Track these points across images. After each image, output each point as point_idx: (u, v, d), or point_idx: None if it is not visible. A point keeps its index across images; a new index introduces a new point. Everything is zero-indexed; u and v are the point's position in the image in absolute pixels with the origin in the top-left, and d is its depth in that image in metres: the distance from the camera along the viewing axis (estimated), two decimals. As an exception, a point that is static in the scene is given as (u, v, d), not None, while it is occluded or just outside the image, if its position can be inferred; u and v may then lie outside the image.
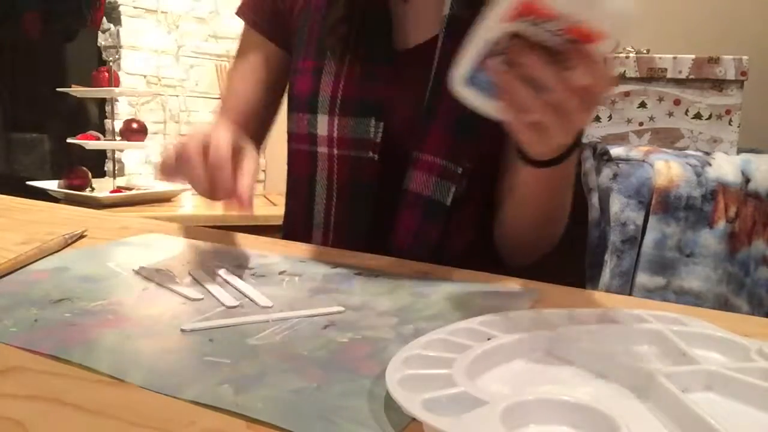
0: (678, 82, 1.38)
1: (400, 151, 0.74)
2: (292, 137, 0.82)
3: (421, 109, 0.73)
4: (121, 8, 2.46)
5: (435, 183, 0.73)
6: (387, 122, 0.74)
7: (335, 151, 0.77)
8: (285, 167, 0.87)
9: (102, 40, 2.52)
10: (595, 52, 0.46)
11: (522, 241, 0.75)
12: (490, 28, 0.47)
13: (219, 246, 0.70)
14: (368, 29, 0.75)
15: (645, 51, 1.45)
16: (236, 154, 0.60)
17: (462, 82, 0.51)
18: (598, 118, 1.42)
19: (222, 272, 0.57)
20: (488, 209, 0.80)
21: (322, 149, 0.77)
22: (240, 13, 0.87)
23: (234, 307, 0.49)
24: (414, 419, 0.30)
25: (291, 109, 0.81)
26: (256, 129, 0.86)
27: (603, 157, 1.25)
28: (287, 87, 0.84)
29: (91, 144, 2.02)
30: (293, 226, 0.83)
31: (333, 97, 0.75)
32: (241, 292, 0.53)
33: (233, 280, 0.55)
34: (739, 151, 1.36)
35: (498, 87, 0.49)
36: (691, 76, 1.36)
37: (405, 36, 0.77)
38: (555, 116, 0.48)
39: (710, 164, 1.20)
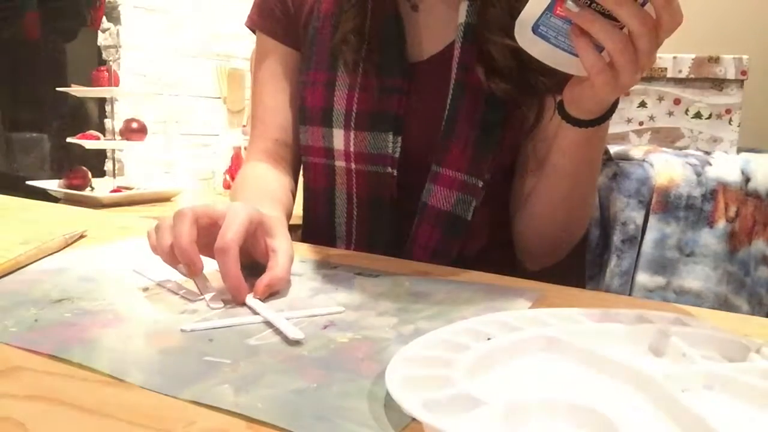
0: (678, 82, 1.38)
1: (418, 162, 0.73)
2: (307, 150, 0.80)
3: (439, 121, 0.72)
4: (121, 8, 2.46)
5: (456, 198, 0.72)
6: (404, 135, 0.73)
7: (353, 166, 0.75)
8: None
9: (102, 40, 2.52)
10: None
11: (550, 229, 0.74)
12: None
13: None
14: (380, 41, 0.73)
15: (645, 51, 1.44)
16: (264, 233, 0.55)
17: (528, 30, 0.52)
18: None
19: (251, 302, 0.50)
20: (502, 211, 0.80)
21: (340, 163, 0.76)
22: (250, 23, 0.84)
23: (234, 306, 0.49)
24: (414, 419, 0.30)
25: (303, 122, 0.79)
26: (297, 140, 0.83)
27: (603, 156, 1.25)
28: (299, 99, 0.81)
29: (91, 144, 2.02)
30: (315, 238, 0.81)
31: (348, 112, 0.74)
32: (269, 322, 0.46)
33: (260, 308, 0.49)
34: (739, 150, 1.36)
35: (572, 30, 0.51)
36: (691, 76, 1.36)
37: (418, 46, 0.75)
38: (627, 55, 0.50)
39: (710, 164, 1.20)
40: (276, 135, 0.83)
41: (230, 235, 0.50)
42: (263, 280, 0.51)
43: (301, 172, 0.86)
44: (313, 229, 0.84)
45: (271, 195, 0.73)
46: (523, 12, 0.52)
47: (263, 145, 0.84)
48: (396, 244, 0.74)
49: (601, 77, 0.52)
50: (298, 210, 0.87)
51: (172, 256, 0.52)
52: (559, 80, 0.63)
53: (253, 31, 0.86)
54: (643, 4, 0.49)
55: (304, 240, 0.84)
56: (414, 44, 0.75)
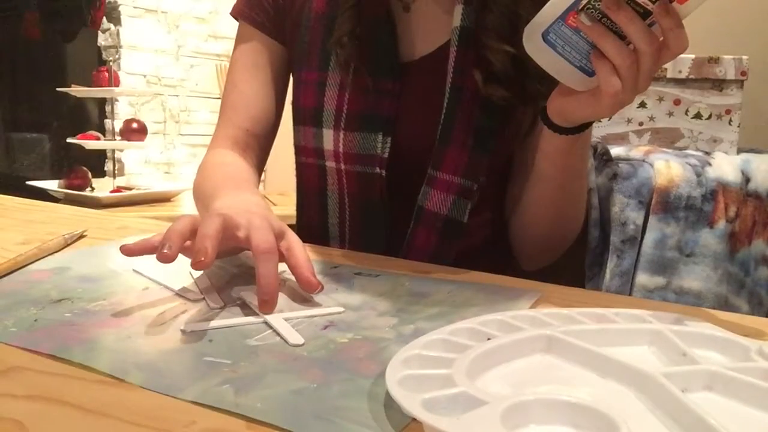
0: (678, 82, 1.38)
1: (410, 163, 0.73)
2: (299, 150, 0.80)
3: (431, 122, 0.72)
4: (121, 8, 2.46)
5: (453, 202, 0.72)
6: (395, 136, 0.73)
7: (342, 166, 0.75)
8: (284, 167, 0.87)
9: (102, 40, 2.52)
10: (679, 12, 0.49)
11: (541, 232, 0.74)
12: None
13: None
14: (372, 41, 0.73)
15: (645, 51, 1.45)
16: (278, 238, 0.54)
17: (538, 36, 0.53)
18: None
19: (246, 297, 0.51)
20: (500, 212, 0.80)
21: (330, 164, 0.76)
22: (237, 12, 0.83)
23: (234, 306, 0.49)
24: (414, 419, 0.30)
25: (296, 122, 0.79)
26: (267, 134, 0.84)
27: (603, 157, 1.25)
28: (292, 98, 0.81)
29: (91, 144, 2.03)
30: (309, 239, 0.81)
31: (338, 112, 0.74)
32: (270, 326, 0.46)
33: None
34: (739, 151, 1.36)
35: (593, 53, 0.52)
36: (691, 76, 1.36)
37: (410, 47, 0.75)
38: (632, 73, 0.51)
39: (710, 164, 1.20)
40: (247, 124, 0.81)
41: (272, 238, 0.50)
42: (305, 275, 0.51)
43: (295, 173, 0.86)
44: (307, 229, 0.84)
45: (252, 184, 0.73)
46: (534, 18, 0.52)
47: (232, 131, 0.82)
48: (390, 246, 0.74)
49: (612, 98, 0.53)
50: (292, 210, 0.87)
51: (179, 243, 0.48)
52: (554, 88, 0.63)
53: (237, 19, 0.84)
54: (650, 25, 0.50)
55: None
56: (406, 45, 0.75)
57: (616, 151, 1.28)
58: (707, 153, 1.31)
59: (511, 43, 0.67)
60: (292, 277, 0.54)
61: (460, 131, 0.71)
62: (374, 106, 0.73)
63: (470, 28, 0.71)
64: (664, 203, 1.16)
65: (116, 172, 2.26)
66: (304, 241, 0.78)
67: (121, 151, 2.42)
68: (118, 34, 2.46)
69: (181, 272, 0.57)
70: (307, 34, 0.77)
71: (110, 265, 0.60)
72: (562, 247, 0.77)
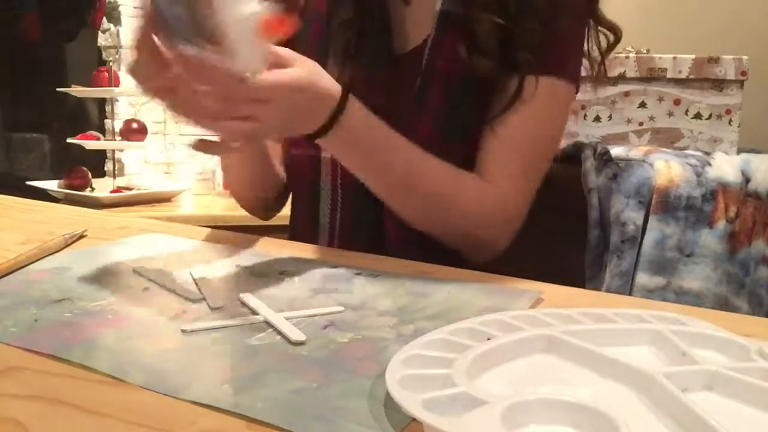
0: (678, 82, 1.38)
1: None
2: (294, 142, 0.81)
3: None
4: (121, 8, 2.46)
5: None
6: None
7: None
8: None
9: (102, 40, 2.52)
10: (215, 57, 0.48)
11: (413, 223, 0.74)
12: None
13: (219, 246, 0.70)
14: (369, 34, 0.74)
15: (645, 51, 1.45)
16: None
17: None
18: (598, 118, 1.42)
19: (246, 298, 0.51)
20: None
21: (325, 153, 0.77)
22: None
23: (234, 307, 0.49)
24: (414, 419, 0.30)
25: None
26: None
27: (603, 157, 1.25)
28: None
29: (91, 144, 2.02)
30: (299, 230, 0.83)
31: None
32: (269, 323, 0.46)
33: (259, 307, 0.49)
34: (739, 151, 1.36)
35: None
36: (691, 76, 1.36)
37: (403, 39, 0.76)
38: (212, 121, 0.56)
39: (710, 164, 1.20)
40: None
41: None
42: None
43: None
44: (297, 221, 0.85)
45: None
46: None
47: None
48: (378, 237, 0.75)
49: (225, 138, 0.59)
50: (286, 210, 0.89)
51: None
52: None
53: None
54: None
55: (291, 236, 0.85)
56: (400, 37, 0.76)
57: (616, 151, 1.28)
58: (707, 153, 1.31)
59: (495, 13, 0.68)
60: (293, 277, 0.54)
61: (431, 112, 0.72)
62: (366, 98, 0.73)
63: (451, 12, 0.72)
64: (664, 203, 1.16)
65: (116, 172, 2.26)
66: (294, 233, 0.80)
67: (121, 151, 2.42)
68: (118, 34, 2.46)
69: (182, 272, 0.57)
70: (306, 27, 0.78)
71: (110, 265, 0.60)
72: (462, 241, 0.75)
